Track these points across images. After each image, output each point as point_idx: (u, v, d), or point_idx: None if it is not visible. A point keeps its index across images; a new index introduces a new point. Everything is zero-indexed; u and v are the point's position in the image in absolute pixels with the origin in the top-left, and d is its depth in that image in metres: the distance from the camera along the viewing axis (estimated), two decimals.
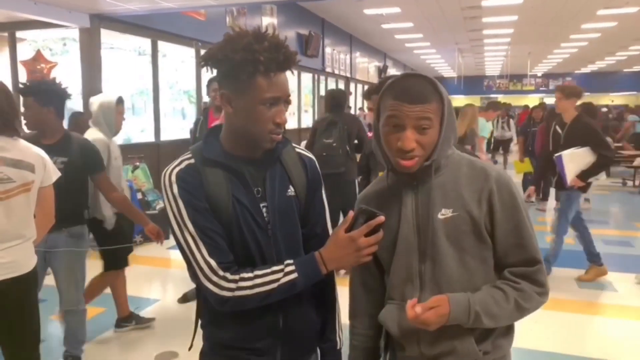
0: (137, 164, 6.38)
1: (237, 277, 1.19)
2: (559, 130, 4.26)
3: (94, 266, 4.91)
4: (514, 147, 10.83)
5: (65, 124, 2.95)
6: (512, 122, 11.53)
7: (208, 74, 1.26)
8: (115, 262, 3.37)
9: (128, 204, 3.04)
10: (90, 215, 3.12)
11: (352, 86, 16.73)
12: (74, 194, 2.66)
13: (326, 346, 1.41)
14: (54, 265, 2.82)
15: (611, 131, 11.74)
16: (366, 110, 11.97)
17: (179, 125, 9.10)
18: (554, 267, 4.53)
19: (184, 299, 4.08)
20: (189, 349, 1.45)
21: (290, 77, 1.31)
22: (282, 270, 1.21)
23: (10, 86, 2.22)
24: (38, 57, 7.08)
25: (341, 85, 17.26)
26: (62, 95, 2.77)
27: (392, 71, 21.49)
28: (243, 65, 1.15)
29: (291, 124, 12.69)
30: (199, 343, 1.39)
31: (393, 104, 1.20)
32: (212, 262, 1.19)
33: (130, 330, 3.56)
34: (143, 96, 8.92)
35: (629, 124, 12.48)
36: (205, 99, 6.69)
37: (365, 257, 1.21)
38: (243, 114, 1.21)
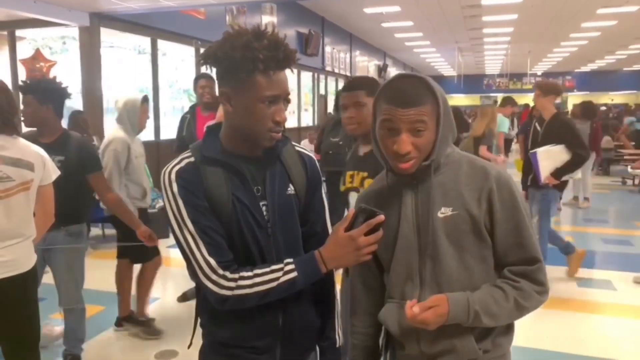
0: None
1: (236, 275, 1.19)
2: (538, 128, 4.22)
3: (93, 265, 4.92)
4: (514, 146, 10.81)
5: (65, 123, 2.95)
6: (515, 121, 11.48)
7: (208, 72, 1.26)
8: (146, 254, 3.38)
9: (122, 206, 3.02)
10: (109, 212, 3.17)
11: None
12: (72, 192, 2.65)
13: (325, 344, 1.41)
14: (53, 263, 2.82)
15: (611, 130, 11.72)
16: None
17: (178, 124, 9.09)
18: (553, 266, 4.53)
19: (184, 297, 4.09)
20: (189, 347, 1.45)
21: (290, 75, 1.31)
22: (281, 269, 1.21)
23: (10, 85, 2.22)
24: (37, 55, 7.08)
25: (341, 85, 17.25)
26: (61, 93, 2.77)
27: (392, 70, 21.49)
28: (242, 63, 1.15)
29: (291, 122, 12.69)
30: (198, 342, 1.39)
31: (387, 108, 1.20)
32: (212, 261, 1.19)
33: (130, 330, 3.56)
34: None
35: (625, 127, 12.42)
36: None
37: (365, 256, 1.21)
38: (243, 112, 1.20)
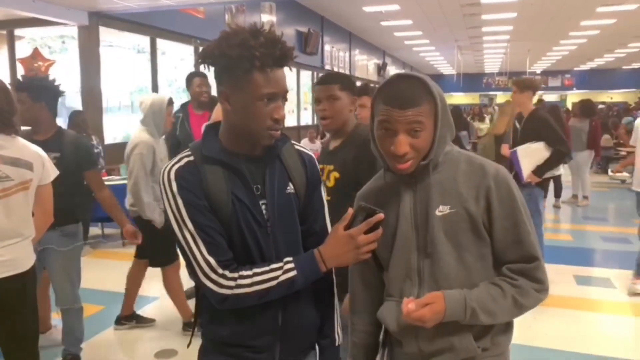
0: None
1: (236, 275, 1.19)
2: (517, 126, 4.16)
3: (93, 265, 4.92)
4: None
5: (64, 122, 2.95)
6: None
7: (206, 71, 1.26)
8: (168, 257, 3.39)
9: (114, 204, 3.00)
10: (135, 214, 3.19)
11: None
12: (67, 191, 2.62)
13: (325, 343, 1.41)
14: (48, 264, 2.82)
15: (611, 128, 11.72)
16: None
17: None
18: (553, 265, 4.54)
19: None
20: (188, 346, 1.45)
21: (289, 74, 1.31)
22: (281, 268, 1.21)
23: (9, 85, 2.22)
24: (36, 54, 7.07)
25: None
26: (54, 91, 2.77)
27: (392, 68, 21.48)
28: (239, 61, 1.15)
29: (291, 121, 12.69)
30: (198, 341, 1.39)
31: (384, 109, 1.20)
32: (211, 260, 1.19)
33: (130, 329, 3.57)
34: (142, 94, 8.91)
35: (623, 127, 12.35)
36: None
37: (365, 255, 1.21)
38: (241, 111, 1.20)
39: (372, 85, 12.23)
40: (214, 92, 3.82)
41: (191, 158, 1.24)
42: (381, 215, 1.18)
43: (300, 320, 1.33)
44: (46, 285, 3.24)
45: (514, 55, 20.05)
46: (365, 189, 1.41)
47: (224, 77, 1.20)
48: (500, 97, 27.19)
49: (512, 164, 4.04)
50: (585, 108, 7.65)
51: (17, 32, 7.51)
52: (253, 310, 1.24)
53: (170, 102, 3.36)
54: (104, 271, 4.76)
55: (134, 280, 3.50)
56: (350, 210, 1.23)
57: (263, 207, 1.26)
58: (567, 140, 7.06)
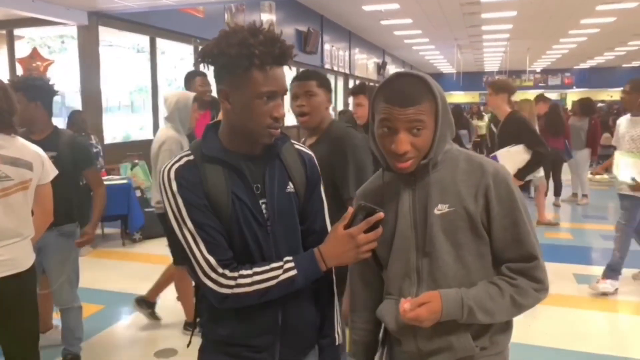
0: (136, 161, 6.38)
1: (236, 274, 1.19)
2: (494, 129, 4.06)
3: (93, 264, 4.92)
4: None
5: (64, 122, 2.94)
6: None
7: (206, 70, 1.26)
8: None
9: (103, 203, 2.97)
10: (161, 210, 3.16)
11: (351, 83, 16.71)
12: (64, 190, 2.60)
13: (325, 342, 1.41)
14: (46, 264, 2.81)
15: (611, 127, 11.70)
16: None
17: None
18: (553, 263, 4.54)
19: None
20: (187, 346, 1.45)
21: (289, 73, 1.31)
22: (281, 267, 1.21)
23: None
24: (34, 54, 7.08)
25: (340, 82, 17.23)
26: (48, 91, 2.77)
27: (392, 67, 21.47)
28: (238, 59, 1.15)
29: (291, 120, 12.67)
30: (198, 340, 1.39)
31: (385, 107, 1.19)
32: (211, 259, 1.19)
33: (130, 328, 3.57)
34: (142, 93, 8.92)
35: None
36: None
37: (365, 254, 1.21)
38: (240, 109, 1.20)
39: (370, 84, 12.24)
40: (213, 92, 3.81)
41: (191, 157, 1.24)
42: (381, 215, 1.18)
43: (300, 320, 1.33)
44: (48, 285, 3.23)
45: (513, 54, 20.05)
46: (365, 188, 1.41)
47: (224, 75, 1.20)
48: None
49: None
50: (585, 107, 7.65)
51: (17, 32, 7.51)
52: (253, 310, 1.24)
53: (196, 99, 3.35)
54: (103, 271, 4.76)
55: (185, 289, 3.40)
56: (350, 210, 1.23)
57: (263, 206, 1.26)
58: (568, 139, 7.00)
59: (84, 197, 3.34)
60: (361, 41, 17.66)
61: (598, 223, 6.61)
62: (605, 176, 4.40)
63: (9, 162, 2.03)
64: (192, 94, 3.35)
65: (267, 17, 10.17)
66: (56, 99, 2.89)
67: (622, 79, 27.58)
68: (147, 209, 5.85)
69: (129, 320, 3.78)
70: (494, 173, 1.23)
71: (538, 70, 28.33)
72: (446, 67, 26.59)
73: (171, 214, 1.21)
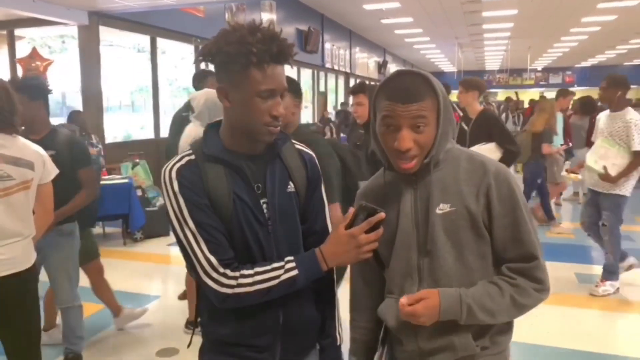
0: (137, 160, 6.38)
1: (237, 274, 1.19)
2: (465, 127, 4.05)
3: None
4: None
5: (62, 122, 2.94)
6: (522, 117, 11.34)
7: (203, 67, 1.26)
8: None
9: (82, 203, 2.89)
10: None
11: (351, 82, 16.70)
12: (63, 189, 2.57)
13: (326, 342, 1.41)
14: (46, 263, 2.81)
15: None
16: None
17: (173, 123, 9.09)
18: (554, 262, 4.53)
19: (185, 295, 4.09)
20: (188, 346, 1.45)
21: (290, 73, 1.31)
22: (282, 267, 1.21)
23: None
24: (34, 54, 7.08)
25: (341, 82, 17.22)
26: (46, 90, 2.78)
27: (392, 66, 21.46)
28: (236, 57, 1.15)
29: None
30: (198, 340, 1.39)
31: (387, 104, 1.19)
32: (213, 259, 1.19)
33: (131, 327, 3.57)
34: (142, 93, 8.92)
35: None
36: None
37: (366, 254, 1.21)
38: (239, 107, 1.21)
39: (371, 83, 12.22)
40: None
41: (192, 157, 1.24)
42: (382, 215, 1.18)
43: (301, 320, 1.33)
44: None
45: (514, 52, 20.03)
46: (366, 187, 1.41)
47: (223, 74, 1.21)
48: (501, 95, 27.15)
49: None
50: (586, 105, 7.63)
51: (17, 32, 7.51)
52: (254, 310, 1.24)
53: None
54: (105, 270, 4.76)
55: (195, 287, 3.43)
56: (352, 210, 1.22)
57: (264, 206, 1.26)
58: (569, 138, 6.95)
59: None
60: (362, 40, 17.65)
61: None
62: (579, 176, 4.36)
63: (10, 162, 2.03)
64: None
65: (267, 16, 10.16)
66: (57, 98, 2.90)
67: None
68: (148, 209, 5.86)
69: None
70: (495, 172, 1.23)
71: (539, 68, 28.29)
72: (447, 66, 26.57)
73: (172, 214, 1.21)
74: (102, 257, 3.50)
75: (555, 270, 4.49)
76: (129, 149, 6.93)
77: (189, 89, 9.48)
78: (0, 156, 2.01)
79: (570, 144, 6.80)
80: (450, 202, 1.23)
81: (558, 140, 6.18)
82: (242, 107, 1.20)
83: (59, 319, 3.32)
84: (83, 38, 6.90)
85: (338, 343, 1.42)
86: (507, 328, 1.31)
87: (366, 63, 18.83)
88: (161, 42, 8.20)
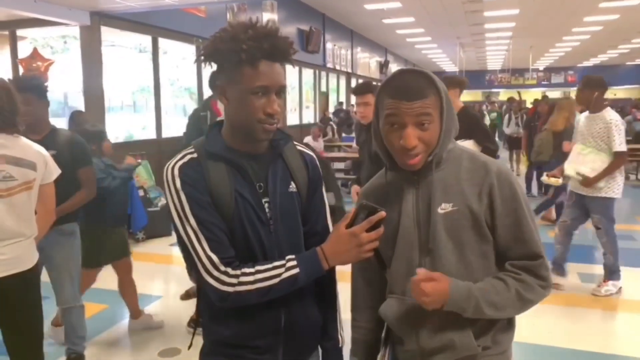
0: (139, 160, 6.38)
1: (238, 272, 1.19)
2: None
3: None
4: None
5: (65, 122, 2.95)
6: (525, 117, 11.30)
7: (206, 69, 1.27)
8: None
9: (80, 202, 2.91)
10: None
11: (353, 82, 16.71)
12: (64, 189, 2.58)
13: (328, 345, 1.41)
14: (47, 263, 2.81)
15: None
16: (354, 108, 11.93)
17: (180, 122, 9.11)
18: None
19: (187, 295, 4.09)
20: (189, 347, 1.44)
21: (291, 72, 1.31)
22: (283, 265, 1.20)
23: None
24: (35, 54, 7.08)
25: (342, 82, 17.22)
26: (46, 90, 2.79)
27: (394, 66, 21.45)
28: (228, 55, 1.17)
29: (293, 120, 12.68)
30: (200, 340, 1.39)
31: (391, 102, 1.19)
32: (214, 257, 1.19)
33: (134, 327, 3.58)
34: (144, 93, 8.93)
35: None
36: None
37: (367, 253, 1.20)
38: (235, 105, 1.22)
39: (373, 83, 12.21)
40: None
41: (194, 155, 1.25)
42: (383, 214, 1.18)
43: (303, 321, 1.32)
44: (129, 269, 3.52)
45: (516, 52, 20.00)
46: (368, 186, 1.41)
47: (220, 72, 1.23)
48: (503, 94, 27.12)
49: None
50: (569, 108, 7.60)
51: (19, 32, 7.51)
52: (255, 310, 1.24)
53: None
54: (107, 270, 4.76)
55: None
56: (353, 209, 1.22)
57: (266, 205, 1.26)
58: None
59: None
60: (363, 40, 17.64)
61: None
62: (560, 180, 4.36)
63: (12, 162, 2.03)
64: None
65: (268, 16, 10.17)
66: (59, 99, 2.91)
67: (626, 77, 27.59)
68: (150, 209, 5.86)
69: None
70: (497, 172, 1.23)
71: (541, 68, 28.25)
72: (449, 66, 26.56)
73: (174, 211, 1.21)
74: None
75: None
76: (130, 149, 6.93)
77: (191, 89, 9.52)
78: (2, 156, 2.02)
79: None
80: (452, 201, 1.23)
81: None
82: (238, 105, 1.21)
83: (146, 308, 3.33)
84: (85, 38, 6.90)
85: (340, 345, 1.42)
86: (509, 327, 1.31)
87: (368, 63, 18.83)
88: (163, 42, 8.21)
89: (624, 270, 4.54)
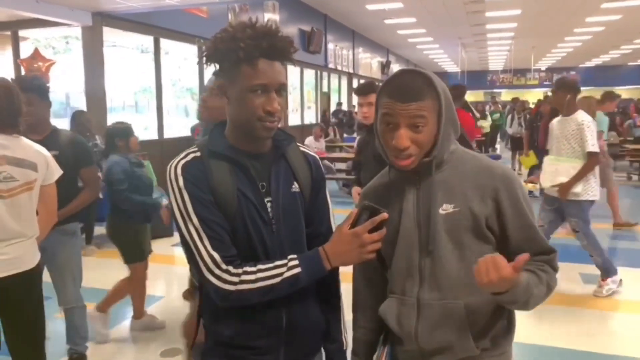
0: (141, 161, 6.38)
1: (240, 270, 1.19)
2: None
3: (98, 264, 4.93)
4: None
5: (67, 122, 2.95)
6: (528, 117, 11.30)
7: (207, 70, 1.28)
8: None
9: (85, 202, 2.91)
10: None
11: (354, 82, 16.71)
12: (66, 189, 2.58)
13: (332, 347, 1.40)
14: (49, 263, 2.81)
15: (617, 125, 11.62)
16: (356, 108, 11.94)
17: (182, 122, 9.11)
18: (559, 262, 4.50)
19: (189, 294, 4.09)
20: (191, 347, 1.44)
21: (293, 73, 1.31)
22: (285, 264, 1.20)
23: None
24: (36, 55, 7.09)
25: (344, 82, 17.22)
26: (48, 90, 2.80)
27: (395, 66, 21.46)
28: (227, 53, 1.18)
29: (294, 120, 12.68)
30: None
31: (387, 102, 1.20)
32: (216, 255, 1.18)
33: (136, 328, 3.58)
34: (146, 94, 8.94)
35: (626, 127, 12.05)
36: None
37: (369, 254, 1.20)
38: (235, 103, 1.22)
39: (377, 83, 12.21)
40: None
41: (197, 154, 1.25)
42: (385, 215, 1.18)
43: (305, 322, 1.32)
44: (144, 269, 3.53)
45: (518, 52, 19.99)
46: (370, 186, 1.41)
47: (220, 71, 1.24)
48: (505, 95, 27.11)
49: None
50: (585, 106, 7.59)
51: (21, 33, 7.53)
52: (256, 310, 1.23)
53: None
54: (109, 271, 4.77)
55: None
56: (355, 209, 1.22)
57: (268, 204, 1.26)
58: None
59: None
60: (365, 40, 17.65)
61: (605, 222, 6.57)
62: (537, 185, 4.36)
63: (13, 163, 2.03)
64: None
65: (270, 17, 10.18)
66: (61, 99, 2.92)
67: (628, 77, 27.55)
68: None
69: None
70: (502, 175, 1.24)
71: (543, 68, 28.23)
72: (450, 66, 26.55)
73: (177, 210, 1.21)
74: (105, 257, 3.52)
75: (560, 270, 4.45)
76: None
77: (193, 89, 9.53)
78: (3, 157, 2.02)
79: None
80: (454, 202, 1.23)
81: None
82: (237, 103, 1.22)
83: (58, 321, 3.34)
84: (87, 39, 6.92)
85: (344, 348, 1.41)
86: (509, 329, 1.31)
87: (369, 63, 18.83)
88: (164, 43, 8.22)
89: (625, 271, 4.54)
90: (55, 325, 3.55)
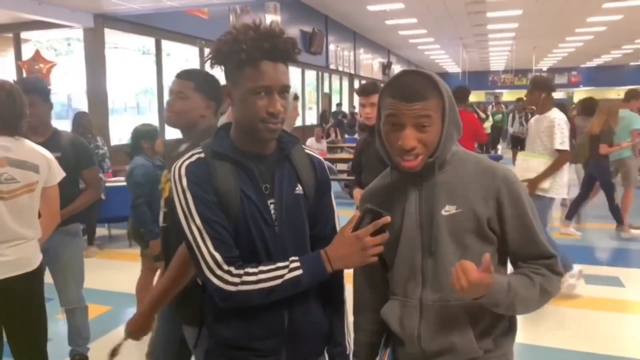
0: None
1: (241, 271, 1.19)
2: None
3: (100, 265, 4.94)
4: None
5: (68, 124, 2.96)
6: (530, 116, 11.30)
7: (212, 71, 1.29)
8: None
9: (86, 203, 2.90)
10: None
11: (356, 83, 16.72)
12: (68, 189, 2.58)
13: (336, 351, 1.40)
14: (51, 264, 2.81)
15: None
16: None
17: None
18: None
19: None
20: (194, 347, 1.44)
21: (294, 74, 1.31)
22: (286, 266, 1.20)
23: None
24: (37, 56, 7.11)
25: (345, 83, 17.23)
26: (50, 92, 2.81)
27: (397, 67, 21.46)
28: (230, 56, 1.19)
29: (297, 121, 12.67)
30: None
31: (391, 102, 1.19)
32: (218, 256, 1.19)
33: None
34: (147, 95, 8.96)
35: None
36: None
37: (371, 258, 1.20)
38: (239, 105, 1.23)
39: (379, 84, 12.22)
40: None
41: (202, 155, 1.26)
42: (388, 218, 1.17)
43: (307, 324, 1.31)
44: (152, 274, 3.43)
45: (519, 53, 19.98)
46: (372, 187, 1.40)
47: (225, 74, 1.24)
48: (507, 95, 27.08)
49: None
50: (587, 107, 7.59)
51: (23, 34, 7.55)
52: (258, 311, 1.23)
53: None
54: (111, 272, 4.78)
55: None
56: (357, 213, 1.22)
57: (271, 206, 1.26)
58: (575, 138, 6.90)
59: None
60: (366, 41, 17.66)
61: (606, 223, 6.56)
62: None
63: (15, 165, 2.04)
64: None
65: (271, 18, 10.19)
66: (63, 100, 2.93)
67: (629, 77, 27.51)
68: None
69: None
70: (504, 176, 1.23)
71: (544, 68, 28.20)
72: (451, 67, 26.54)
73: (180, 210, 1.21)
74: (108, 258, 3.52)
75: None
76: None
77: None
78: (5, 159, 2.02)
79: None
80: (457, 204, 1.23)
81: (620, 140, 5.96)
82: (241, 105, 1.22)
83: (59, 323, 3.34)
84: (88, 40, 6.94)
85: (348, 352, 1.41)
86: (510, 330, 1.31)
87: (370, 64, 18.84)
88: (166, 44, 8.24)
89: (625, 271, 4.54)
90: (57, 326, 3.56)
